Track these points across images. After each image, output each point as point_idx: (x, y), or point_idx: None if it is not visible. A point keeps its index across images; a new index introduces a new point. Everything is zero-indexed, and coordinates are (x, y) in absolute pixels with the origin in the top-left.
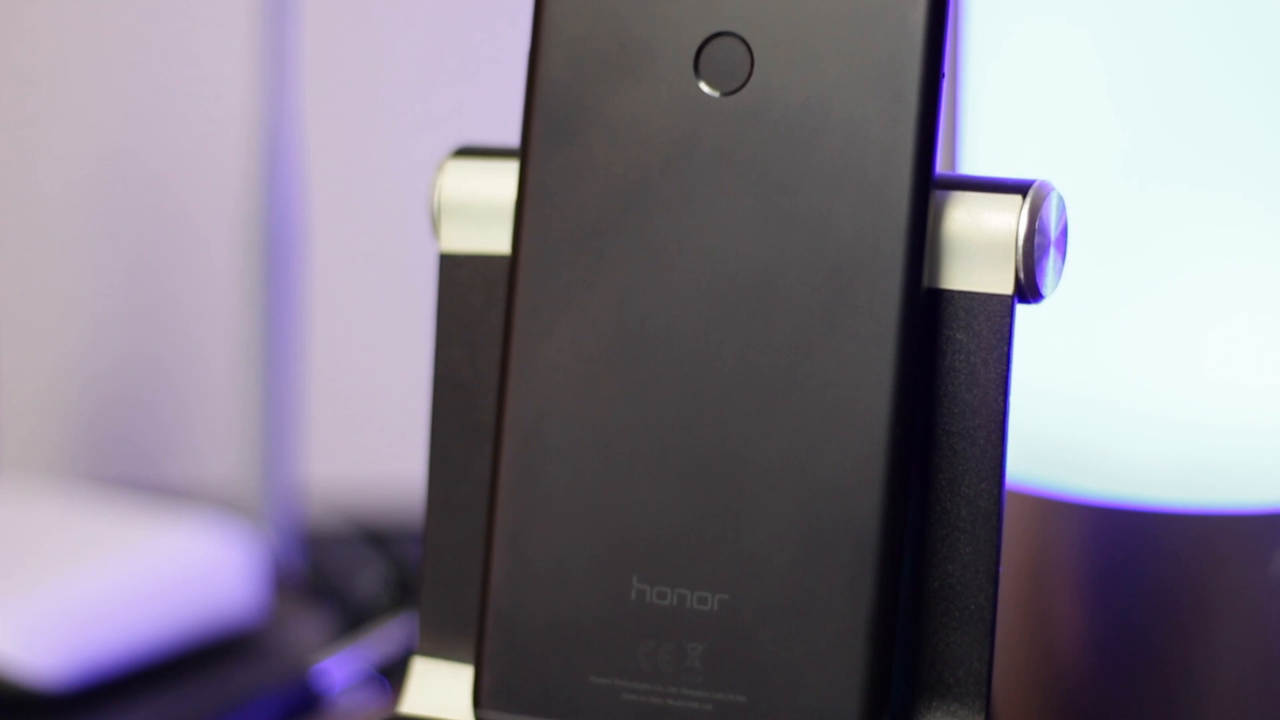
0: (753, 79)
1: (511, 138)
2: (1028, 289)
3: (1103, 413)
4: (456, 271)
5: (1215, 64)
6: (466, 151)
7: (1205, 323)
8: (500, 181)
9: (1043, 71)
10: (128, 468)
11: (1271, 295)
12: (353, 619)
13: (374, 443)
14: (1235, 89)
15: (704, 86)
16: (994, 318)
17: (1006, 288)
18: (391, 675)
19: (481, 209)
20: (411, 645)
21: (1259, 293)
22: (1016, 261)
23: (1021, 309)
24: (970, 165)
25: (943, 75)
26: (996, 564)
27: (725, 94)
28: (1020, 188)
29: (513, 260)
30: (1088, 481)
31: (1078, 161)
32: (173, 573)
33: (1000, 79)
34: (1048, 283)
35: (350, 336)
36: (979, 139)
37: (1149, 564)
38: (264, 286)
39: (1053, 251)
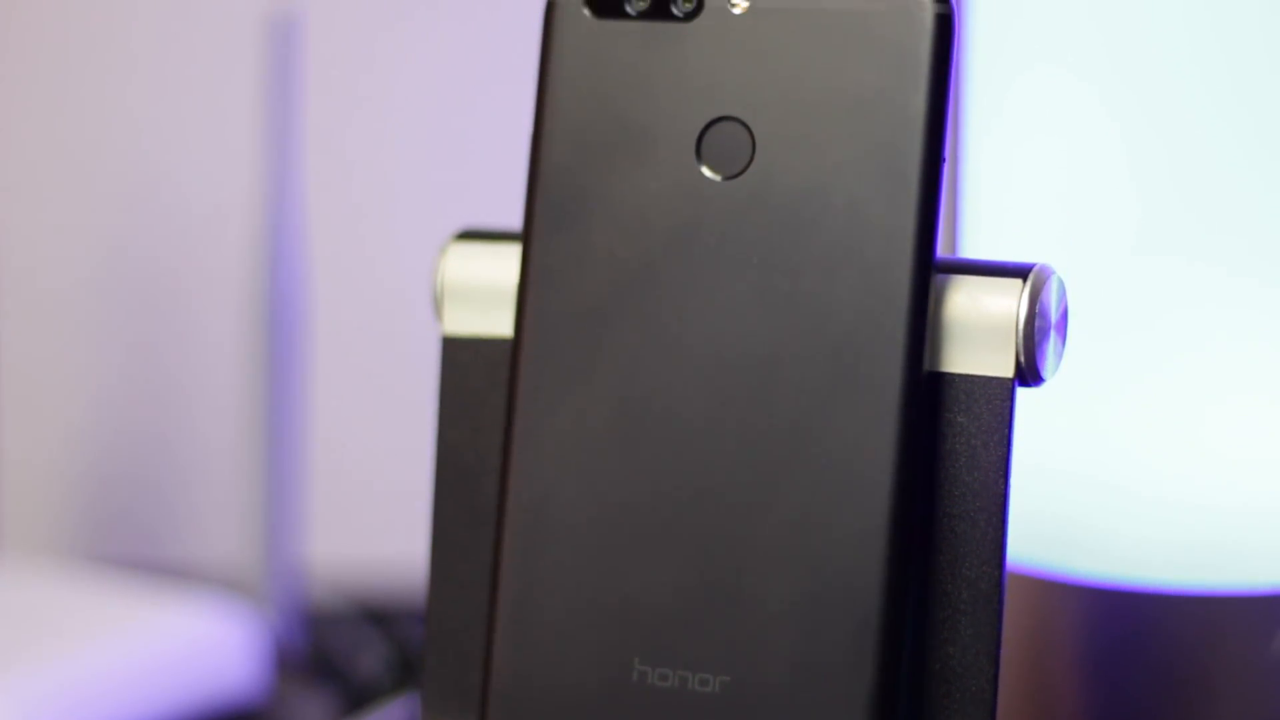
0: (754, 163)
1: (514, 221)
2: (1028, 372)
3: (1104, 492)
4: (459, 354)
5: (1219, 139)
6: (469, 235)
7: (1206, 403)
8: (503, 265)
9: (1042, 145)
10: (129, 547)
11: (1272, 374)
12: (355, 699)
13: (376, 522)
14: (1241, 167)
15: (706, 171)
16: (994, 401)
17: (1007, 371)
18: None
19: (484, 292)
20: None
21: (1259, 372)
22: (1017, 345)
23: (1022, 391)
24: (970, 239)
25: (943, 159)
26: (997, 646)
27: (727, 178)
28: (1021, 271)
29: (515, 343)
30: (1089, 562)
31: (1078, 237)
32: (174, 653)
33: (997, 155)
34: (1048, 366)
35: (352, 417)
36: (980, 209)
37: (1150, 645)
38: (266, 366)
39: (1053, 335)
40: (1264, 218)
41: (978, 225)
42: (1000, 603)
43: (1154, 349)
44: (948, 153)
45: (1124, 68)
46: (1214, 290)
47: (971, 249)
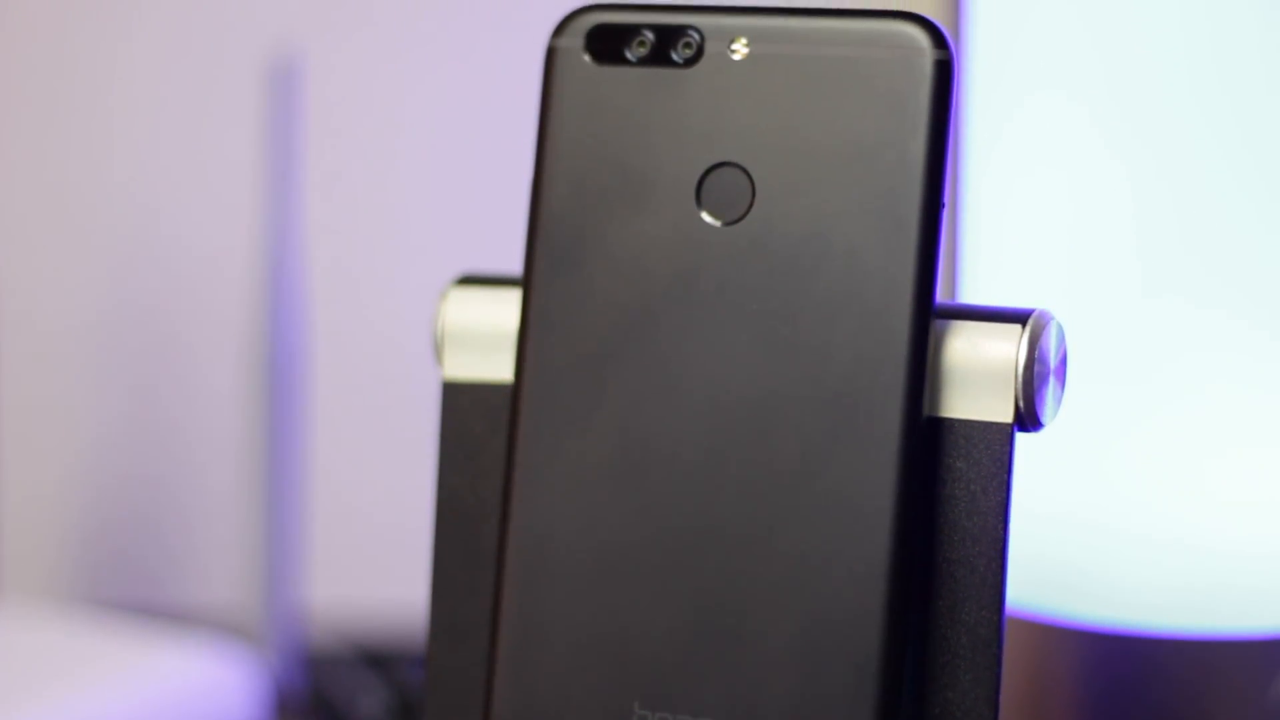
0: (754, 209)
1: (514, 266)
2: (1027, 418)
3: (1102, 536)
4: (459, 399)
5: (1220, 182)
6: (469, 280)
7: (1204, 448)
8: (503, 310)
9: (1041, 185)
10: (130, 590)
11: (1266, 420)
12: None
13: (375, 566)
14: (1244, 214)
15: (705, 216)
16: (994, 446)
17: (1006, 416)
18: None
19: (484, 337)
20: None
21: (1255, 417)
22: (1016, 390)
23: (1021, 436)
24: (969, 282)
25: (943, 205)
26: (996, 691)
27: (727, 224)
28: (1020, 317)
29: (515, 388)
30: (1088, 606)
31: (1078, 282)
32: (174, 696)
33: (996, 194)
34: (1047, 411)
35: (352, 461)
36: (979, 253)
37: (1149, 690)
38: (266, 410)
39: (1052, 380)
40: (1265, 264)
41: (976, 268)
42: (1000, 648)
43: (1152, 394)
44: (947, 198)
45: (1125, 108)
46: (1212, 336)
47: (971, 292)
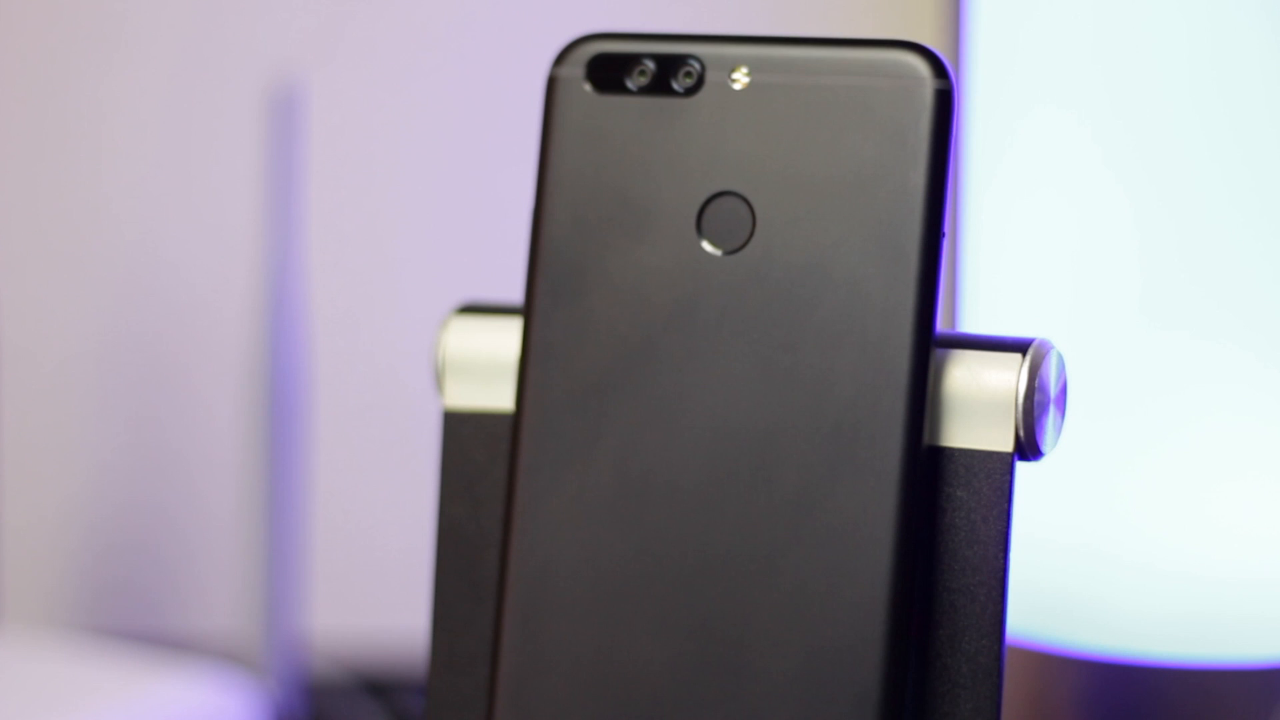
0: (754, 238)
1: (515, 295)
2: (1028, 447)
3: (1104, 565)
4: (460, 428)
5: (1222, 210)
6: (470, 309)
7: (1203, 477)
8: (503, 339)
9: (1042, 212)
10: (131, 618)
11: (1271, 449)
12: None
13: (376, 594)
14: (1248, 248)
15: (706, 245)
16: (994, 475)
17: (1007, 445)
18: None
19: (485, 366)
20: None
21: (1259, 447)
22: (1016, 419)
23: (1021, 465)
24: (970, 310)
25: (943, 235)
26: None
27: (727, 253)
28: (1020, 346)
29: (516, 417)
30: (1089, 635)
31: (1080, 311)
32: None
33: (996, 221)
34: (1047, 440)
35: (353, 489)
36: (979, 282)
37: (1149, 719)
38: (268, 438)
39: (1052, 409)
40: (1268, 296)
41: (977, 297)
42: (1000, 677)
43: (1153, 424)
44: (947, 228)
45: (1128, 135)
46: (1213, 366)
47: (971, 320)
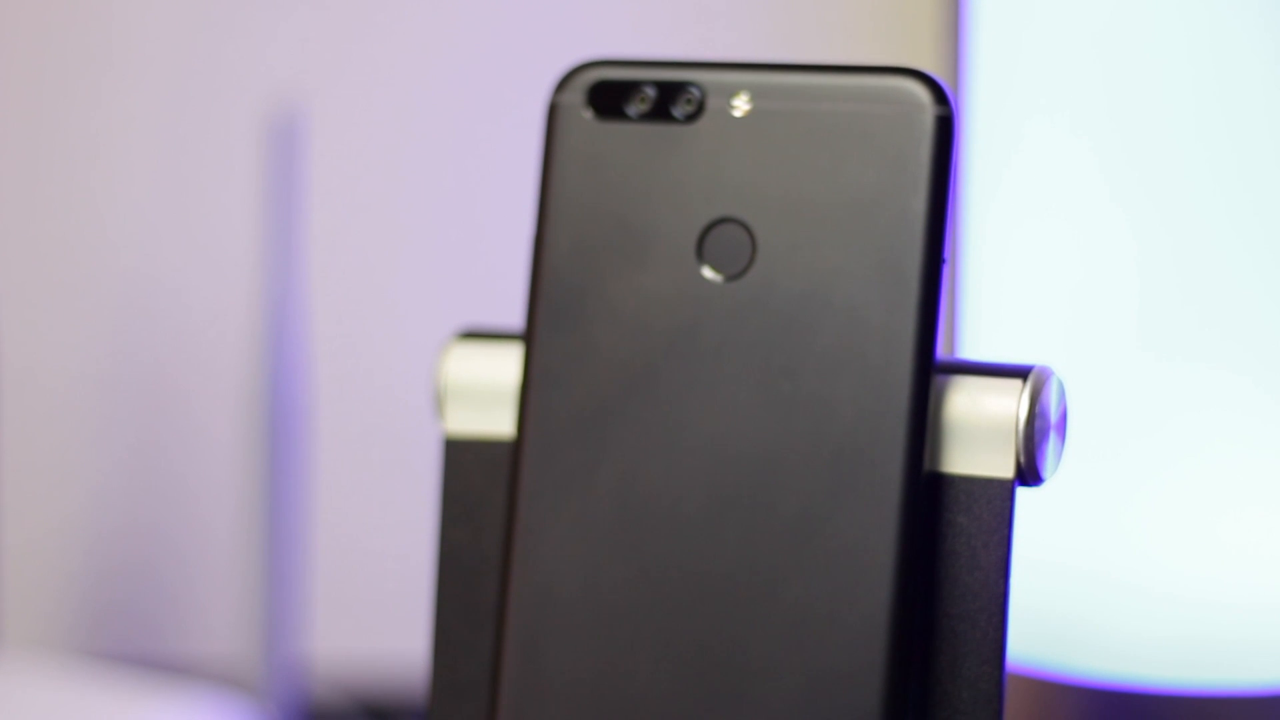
0: (755, 264)
1: (515, 321)
2: (1028, 473)
3: (1105, 591)
4: (460, 454)
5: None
6: (470, 335)
7: (1206, 503)
8: (504, 365)
9: (1042, 235)
10: (130, 642)
11: (1272, 476)
12: None
13: (377, 619)
14: (1249, 278)
15: (706, 272)
16: (995, 501)
17: (1007, 472)
18: None
19: (485, 392)
20: None
21: (1260, 474)
22: (1017, 446)
23: (1022, 491)
24: (969, 334)
25: (944, 261)
26: None
27: (728, 279)
28: (1020, 372)
29: (516, 444)
30: (1090, 660)
31: (1080, 338)
32: None
33: (997, 243)
34: (1048, 466)
35: (353, 515)
36: (980, 308)
37: None
38: (267, 464)
39: (1053, 435)
40: (1269, 324)
41: (978, 322)
42: (1001, 703)
43: (1154, 451)
44: (948, 253)
45: (1129, 161)
46: (1214, 394)
47: (972, 346)
